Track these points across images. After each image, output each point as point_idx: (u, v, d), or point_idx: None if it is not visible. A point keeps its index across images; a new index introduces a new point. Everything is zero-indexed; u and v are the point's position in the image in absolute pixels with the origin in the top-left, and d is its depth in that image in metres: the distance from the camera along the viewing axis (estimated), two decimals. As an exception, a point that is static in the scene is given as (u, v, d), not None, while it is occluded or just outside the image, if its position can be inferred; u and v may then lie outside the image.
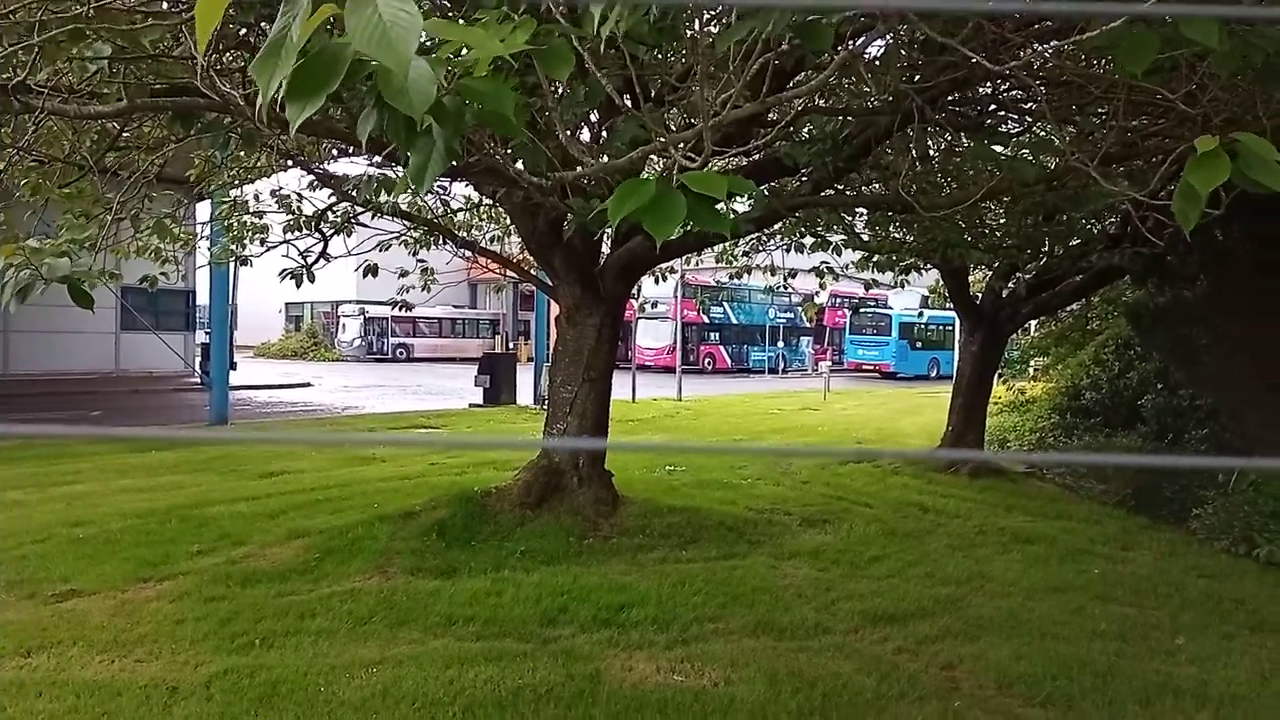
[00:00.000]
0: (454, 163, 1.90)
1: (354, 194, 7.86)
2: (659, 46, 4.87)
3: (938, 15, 2.89)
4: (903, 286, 13.68)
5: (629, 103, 4.77)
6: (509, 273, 11.47)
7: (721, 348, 38.53)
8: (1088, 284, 11.59)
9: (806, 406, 21.94)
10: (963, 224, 8.64)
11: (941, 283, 13.04)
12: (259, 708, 4.26)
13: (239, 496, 8.74)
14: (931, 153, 7.38)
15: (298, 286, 8.57)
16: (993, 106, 6.36)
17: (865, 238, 10.75)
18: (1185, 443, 10.92)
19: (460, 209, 10.72)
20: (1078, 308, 14.42)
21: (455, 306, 43.50)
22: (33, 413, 16.31)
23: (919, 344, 38.06)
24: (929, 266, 12.03)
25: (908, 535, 8.08)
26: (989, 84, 5.73)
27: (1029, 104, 6.06)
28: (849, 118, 6.18)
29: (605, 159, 4.62)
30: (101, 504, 8.29)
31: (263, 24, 4.51)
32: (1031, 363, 19.02)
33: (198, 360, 22.47)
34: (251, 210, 9.36)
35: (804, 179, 7.28)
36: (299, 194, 8.99)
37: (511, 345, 38.88)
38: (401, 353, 41.18)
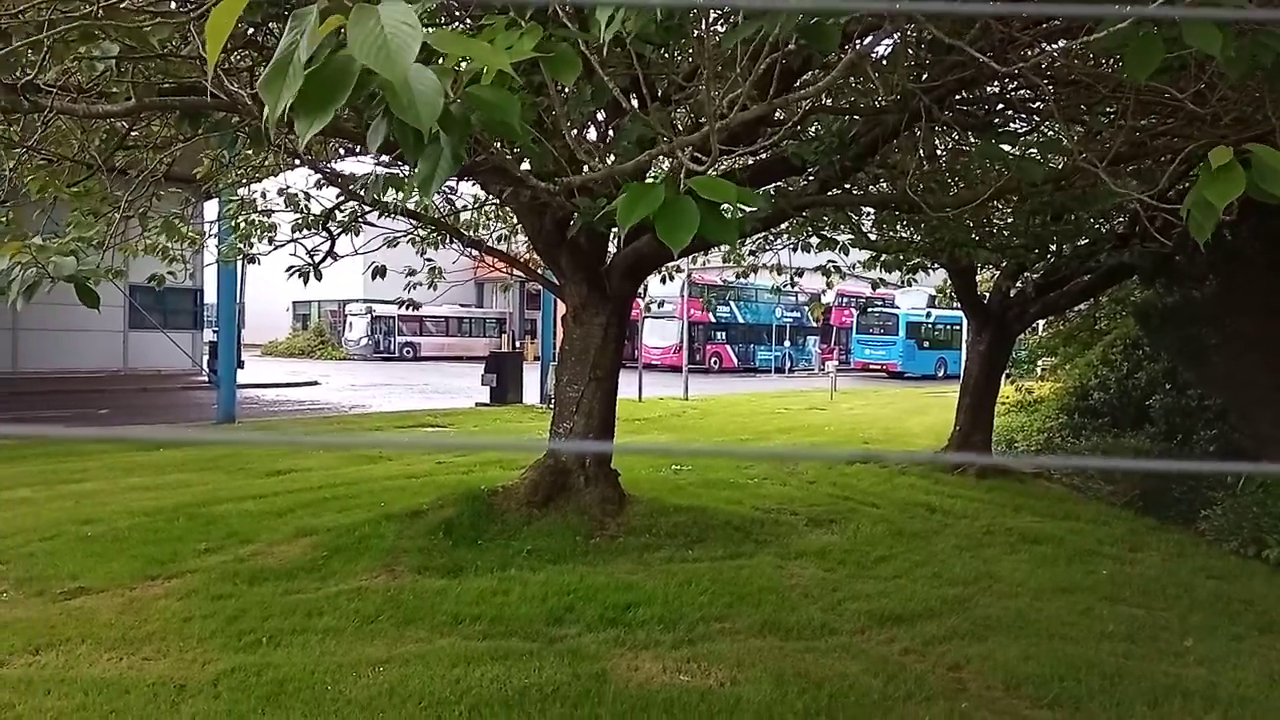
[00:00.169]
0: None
1: (361, 193, 7.88)
2: (665, 46, 4.87)
3: (945, 16, 2.88)
4: (910, 285, 13.66)
5: (635, 102, 4.76)
6: (515, 272, 11.48)
7: (728, 347, 38.51)
8: (1096, 284, 11.55)
9: (813, 406, 21.91)
10: (970, 223, 8.61)
11: (949, 282, 13.02)
12: (266, 706, 4.27)
13: (246, 495, 8.76)
14: (939, 152, 7.36)
15: (305, 284, 8.59)
16: (1000, 106, 6.34)
17: (872, 237, 10.74)
18: (1194, 443, 10.88)
19: (467, 208, 10.73)
20: (1086, 307, 14.37)
21: (462, 305, 43.57)
22: (41, 410, 16.38)
23: (926, 344, 37.98)
24: (936, 266, 12.02)
25: (915, 535, 8.07)
26: (997, 83, 5.71)
27: (1037, 103, 6.04)
28: (856, 117, 6.16)
29: (611, 159, 4.62)
30: (109, 502, 8.32)
31: (270, 23, 4.52)
32: (1039, 362, 18.97)
33: (205, 359, 22.53)
34: (259, 209, 9.38)
35: (811, 178, 7.27)
36: (306, 193, 9.01)
37: (518, 344, 39.00)
38: (408, 351, 41.26)
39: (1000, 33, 3.96)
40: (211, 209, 13.10)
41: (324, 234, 8.85)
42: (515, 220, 10.09)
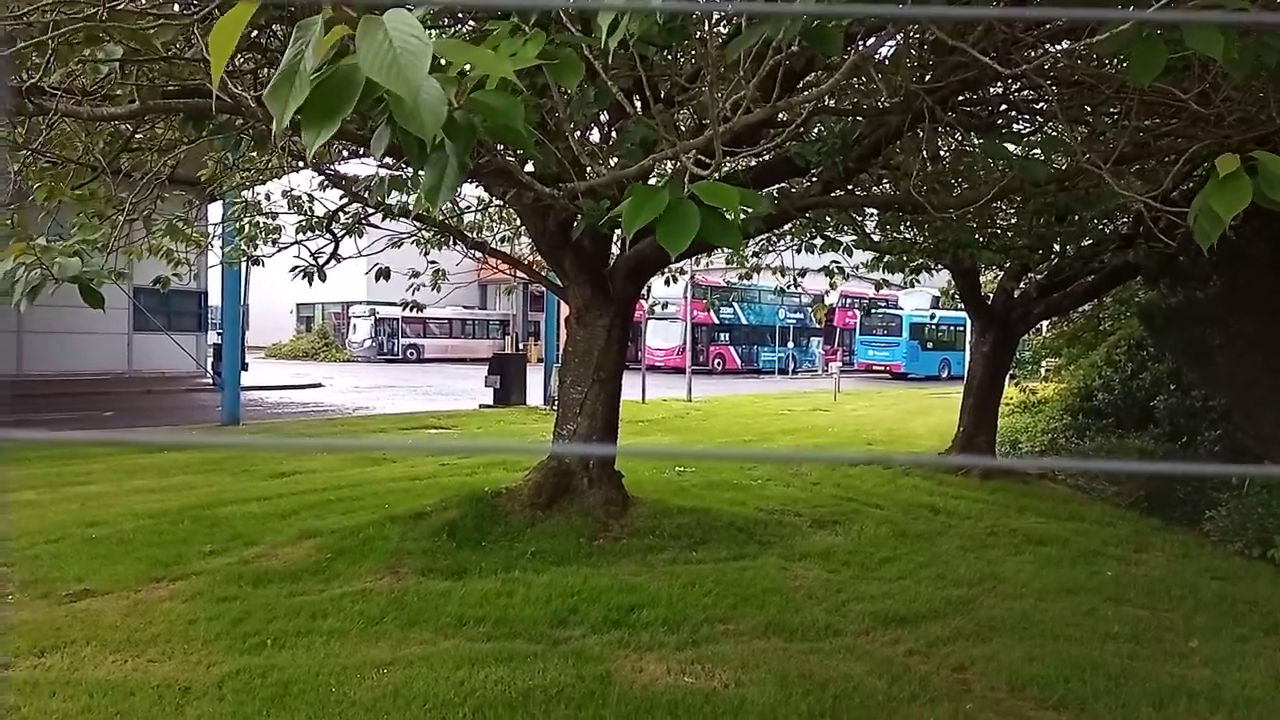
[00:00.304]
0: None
1: (365, 195, 7.89)
2: (669, 47, 4.87)
3: (948, 18, 2.88)
4: (913, 286, 13.66)
5: (638, 104, 4.77)
6: (519, 274, 11.49)
7: (731, 348, 38.49)
8: (1100, 284, 11.54)
9: (817, 407, 21.90)
10: (974, 224, 8.61)
11: (952, 283, 13.01)
12: (271, 708, 4.27)
13: (251, 497, 8.78)
14: (942, 153, 7.36)
15: (309, 285, 8.60)
16: (1004, 107, 6.34)
17: (876, 238, 10.73)
18: (1198, 444, 10.85)
19: (470, 209, 10.74)
20: (1089, 308, 14.36)
21: (465, 307, 43.62)
22: (46, 413, 16.41)
23: (930, 345, 37.94)
24: (940, 267, 12.01)
25: (919, 537, 8.06)
26: (1000, 84, 5.71)
27: (1040, 104, 6.03)
28: (859, 118, 6.16)
29: (615, 161, 4.62)
30: (114, 504, 8.34)
31: (274, 26, 4.53)
32: (1043, 363, 18.94)
33: (210, 361, 22.57)
34: (264, 211, 9.40)
35: (814, 179, 7.27)
36: (310, 195, 9.02)
37: (521, 346, 39.03)
38: (412, 353, 41.30)
39: (1003, 34, 3.96)
40: (215, 211, 13.12)
41: (328, 236, 8.86)
42: (519, 222, 10.10)
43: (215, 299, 21.92)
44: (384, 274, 8.86)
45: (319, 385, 25.64)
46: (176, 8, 4.61)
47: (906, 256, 10.80)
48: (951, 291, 13.99)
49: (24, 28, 3.78)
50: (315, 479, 9.82)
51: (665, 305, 33.39)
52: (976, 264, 11.56)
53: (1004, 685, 4.81)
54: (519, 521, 7.37)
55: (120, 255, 6.60)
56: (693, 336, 29.91)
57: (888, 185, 8.40)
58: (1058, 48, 4.44)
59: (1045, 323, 15.87)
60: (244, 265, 12.92)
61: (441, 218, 9.60)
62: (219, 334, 20.43)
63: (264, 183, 9.11)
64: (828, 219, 9.77)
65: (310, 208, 8.97)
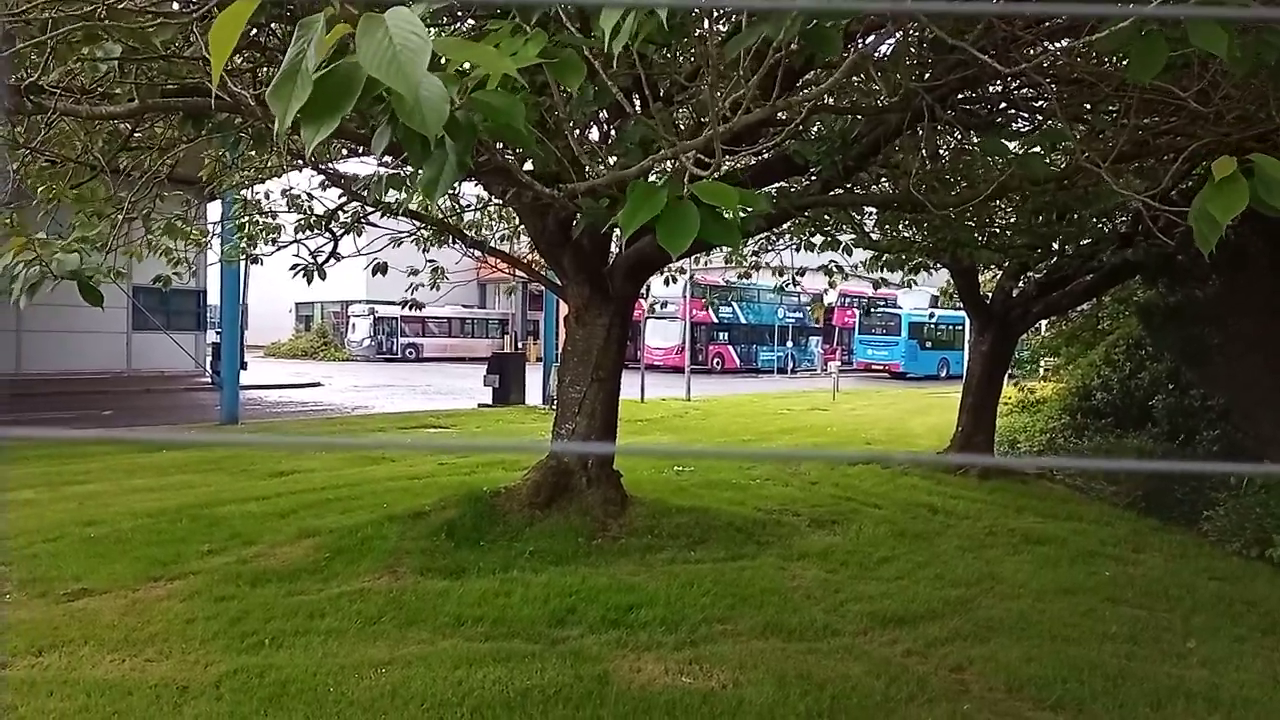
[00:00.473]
0: (463, 167, 1.90)
1: (364, 194, 7.89)
2: (668, 46, 4.86)
3: (948, 15, 2.88)
4: (912, 285, 13.66)
5: (638, 102, 4.76)
6: (518, 273, 11.49)
7: (730, 347, 38.50)
8: (1098, 283, 11.55)
9: (815, 407, 21.90)
10: (973, 223, 8.60)
11: (951, 282, 13.01)
12: (268, 707, 4.27)
13: (249, 496, 8.77)
14: (941, 151, 7.36)
15: (308, 283, 8.60)
16: (1003, 105, 6.34)
17: (875, 237, 10.73)
18: (1197, 443, 10.86)
19: (470, 207, 10.74)
20: (1088, 307, 14.37)
21: (464, 306, 43.60)
22: (45, 412, 16.40)
23: (929, 344, 37.95)
24: (938, 266, 12.01)
25: (917, 536, 8.06)
26: (999, 82, 5.70)
27: (1040, 102, 6.03)
28: (858, 116, 6.16)
29: (614, 159, 4.62)
30: (113, 503, 8.33)
31: (272, 24, 4.53)
32: (1042, 363, 18.94)
33: (209, 360, 22.56)
34: (263, 210, 9.40)
35: (813, 178, 7.26)
36: (309, 194, 9.02)
37: (520, 345, 38.98)
38: (411, 352, 41.29)
39: (1002, 32, 3.96)
40: (214, 210, 13.12)
41: (327, 234, 8.86)
42: (518, 221, 10.09)
43: (214, 298, 21.92)
44: (381, 270, 8.86)
45: (318, 384, 25.63)
46: (176, 6, 4.60)
47: (905, 255, 10.80)
48: (950, 290, 14.00)
49: (23, 26, 3.78)
50: (314, 478, 9.81)
51: (664, 304, 33.38)
52: (975, 263, 11.56)
53: (1002, 685, 4.81)
54: (517, 521, 7.37)
55: (119, 254, 6.59)
56: (691, 336, 29.93)
57: (887, 184, 8.40)
58: (1057, 46, 4.44)
59: (1044, 322, 15.89)
60: (243, 264, 12.91)
61: (441, 216, 9.60)
62: (218, 333, 20.44)
63: (263, 181, 9.11)
64: (827, 217, 9.76)
65: (309, 206, 8.96)
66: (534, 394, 20.30)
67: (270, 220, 9.40)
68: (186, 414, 17.74)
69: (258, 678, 4.55)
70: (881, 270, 11.81)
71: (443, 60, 1.67)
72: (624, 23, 1.76)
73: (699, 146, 2.46)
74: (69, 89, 4.62)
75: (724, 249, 12.26)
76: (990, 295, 12.67)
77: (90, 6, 3.62)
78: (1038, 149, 5.18)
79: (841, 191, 7.43)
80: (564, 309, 8.60)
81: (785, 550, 7.32)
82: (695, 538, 7.39)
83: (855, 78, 5.56)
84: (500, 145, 3.50)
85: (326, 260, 8.74)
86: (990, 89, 6.01)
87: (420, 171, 1.78)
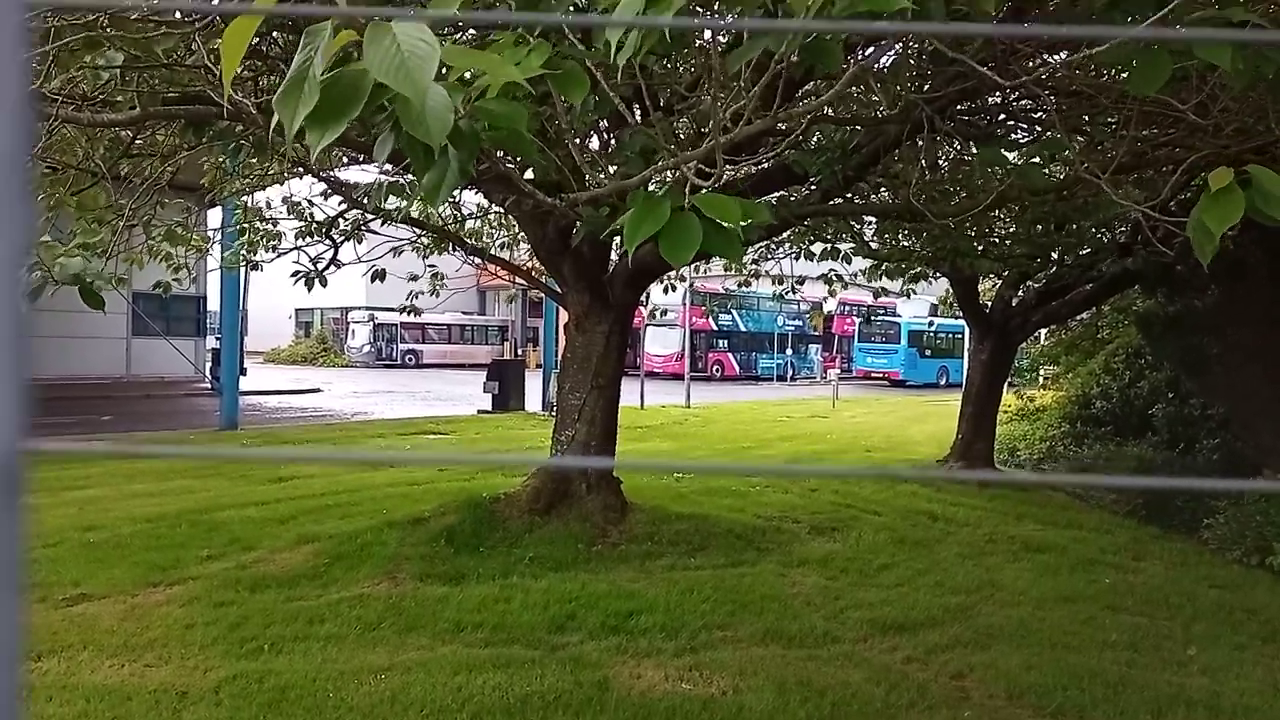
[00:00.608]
0: (465, 175, 1.91)
1: (364, 201, 7.91)
2: (669, 56, 4.88)
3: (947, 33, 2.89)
4: (911, 295, 13.68)
5: (638, 112, 4.78)
6: (518, 280, 11.50)
7: (730, 355, 38.49)
8: (1098, 292, 11.57)
9: (815, 414, 21.90)
10: (972, 232, 8.63)
11: (950, 291, 13.03)
12: (267, 713, 4.27)
13: (249, 501, 8.77)
14: (941, 162, 7.38)
15: (309, 290, 8.62)
16: (1002, 116, 6.36)
17: (874, 246, 10.76)
18: (1196, 452, 10.87)
19: (471, 216, 10.76)
20: (1088, 316, 14.39)
21: (464, 313, 43.58)
22: (45, 418, 16.40)
23: (928, 352, 37.96)
24: (938, 275, 12.04)
25: (917, 543, 8.06)
26: (999, 94, 5.73)
27: (1039, 113, 6.05)
28: (858, 127, 6.18)
29: (614, 169, 4.63)
30: (112, 508, 8.33)
31: (274, 33, 4.55)
32: (1041, 371, 18.95)
33: (208, 365, 22.57)
34: (264, 217, 9.42)
35: (813, 187, 7.28)
36: (310, 200, 9.04)
37: (520, 352, 38.98)
38: (410, 359, 41.27)
39: (1002, 44, 3.98)
40: (215, 216, 13.14)
41: (328, 241, 8.88)
42: (518, 228, 10.11)
43: (214, 304, 21.93)
44: (379, 276, 8.88)
45: (317, 390, 25.63)
46: (177, 15, 4.63)
47: (905, 264, 10.82)
48: (950, 299, 14.02)
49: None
50: (313, 484, 9.81)
51: (664, 312, 33.40)
52: (975, 272, 11.59)
53: (1002, 693, 4.81)
54: (517, 527, 7.37)
55: (120, 260, 6.61)
56: (691, 343, 29.91)
57: (886, 193, 8.42)
58: (1056, 58, 4.46)
59: (1043, 331, 15.91)
60: (243, 270, 12.94)
61: (441, 223, 9.62)
62: (218, 339, 20.44)
63: (264, 188, 9.13)
64: (826, 226, 9.78)
65: (310, 213, 8.98)
66: (534, 400, 20.30)
67: (270, 227, 9.42)
68: (186, 419, 17.74)
69: (257, 683, 4.55)
70: (881, 279, 11.83)
71: (444, 70, 1.68)
72: (629, 37, 1.78)
73: (700, 157, 2.47)
74: (70, 96, 4.64)
75: (723, 257, 12.28)
76: (989, 304, 12.69)
77: (93, 15, 3.64)
78: (1036, 159, 5.20)
79: (841, 201, 7.45)
80: (564, 316, 8.61)
81: (785, 557, 7.32)
82: (695, 544, 7.38)
83: (855, 89, 5.59)
84: (501, 154, 3.52)
85: (327, 267, 8.76)
86: (990, 100, 6.04)
87: (422, 179, 1.79)
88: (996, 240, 9.61)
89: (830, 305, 37.36)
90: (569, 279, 7.97)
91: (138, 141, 6.27)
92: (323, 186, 8.47)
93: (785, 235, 10.02)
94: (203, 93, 4.59)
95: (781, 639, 5.45)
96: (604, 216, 4.44)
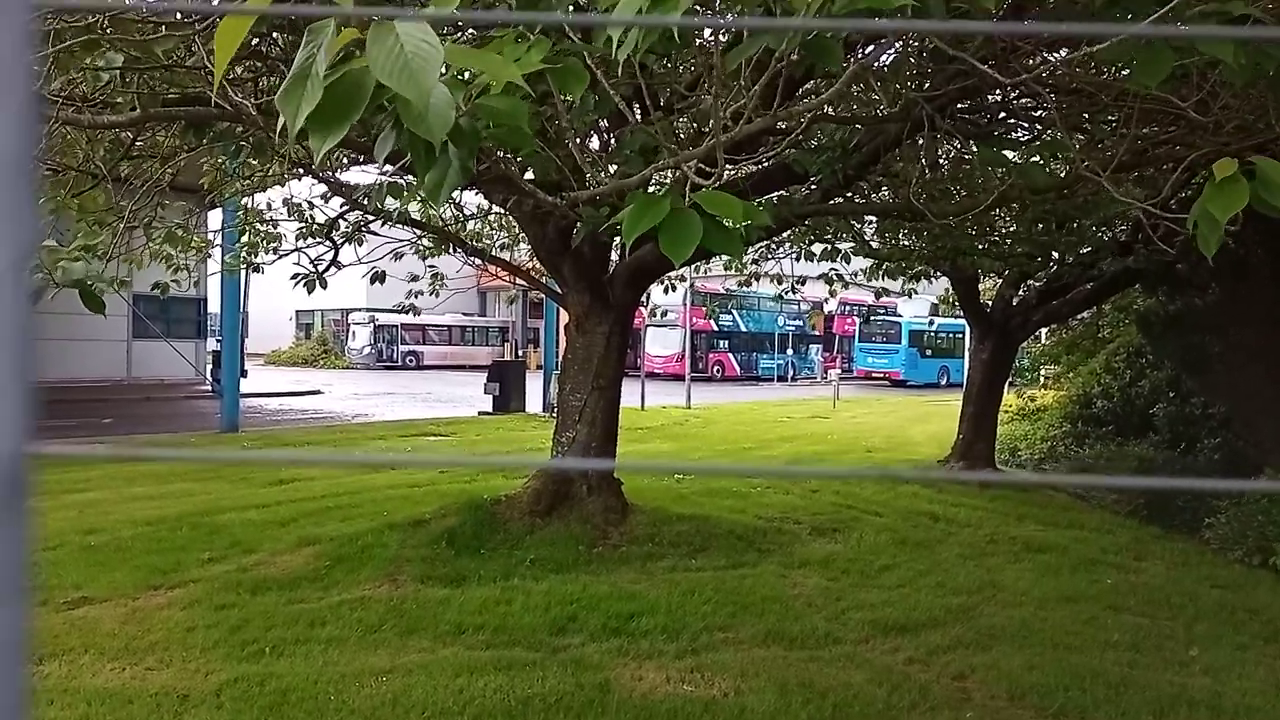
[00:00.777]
0: (465, 174, 1.91)
1: (364, 202, 7.90)
2: (669, 55, 4.88)
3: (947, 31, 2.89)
4: (912, 294, 13.67)
5: (639, 111, 4.78)
6: (519, 281, 11.50)
7: (730, 355, 38.48)
8: (1099, 291, 11.56)
9: (816, 415, 21.89)
10: (973, 231, 8.62)
11: (949, 290, 13.02)
12: (269, 716, 4.26)
13: (249, 504, 8.76)
14: (941, 160, 7.37)
15: (309, 292, 8.62)
16: (1003, 114, 6.35)
17: (875, 245, 10.75)
18: (1198, 452, 10.86)
19: (472, 217, 10.76)
20: (1088, 315, 14.39)
21: (465, 314, 43.59)
22: (45, 420, 16.37)
23: (929, 352, 37.95)
24: (938, 274, 12.03)
25: (918, 544, 8.05)
26: (999, 92, 5.73)
27: (1039, 112, 6.05)
28: (858, 126, 6.18)
29: (614, 168, 4.63)
30: (113, 511, 8.32)
31: (274, 33, 4.54)
32: (1042, 370, 18.95)
33: (209, 368, 22.56)
34: (265, 219, 9.42)
35: (813, 186, 7.28)
36: (310, 202, 9.04)
37: (521, 353, 38.97)
38: (411, 360, 41.28)
39: (1002, 42, 3.97)
40: (215, 218, 13.14)
41: (328, 243, 8.88)
42: (518, 229, 10.11)
43: (215, 306, 21.93)
44: (379, 278, 8.88)
45: (318, 392, 25.62)
46: (178, 16, 4.62)
47: (905, 263, 10.82)
48: (950, 299, 14.02)
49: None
50: (314, 486, 9.80)
51: (665, 312, 33.40)
52: (976, 271, 11.58)
53: (1004, 693, 4.80)
54: (518, 529, 7.36)
55: (121, 262, 6.60)
56: (692, 343, 29.90)
57: (887, 193, 8.42)
58: (1057, 56, 4.45)
59: (1044, 330, 15.91)
60: (243, 272, 12.94)
61: (441, 224, 9.63)
62: (218, 341, 20.44)
63: (264, 190, 9.13)
64: (827, 226, 9.77)
65: (310, 215, 8.98)
66: (534, 402, 20.30)
67: (271, 229, 9.42)
68: (186, 422, 17.73)
69: (258, 686, 4.54)
70: (882, 278, 11.83)
71: (445, 69, 1.68)
72: (629, 34, 1.77)
73: (700, 155, 2.47)
74: (70, 98, 4.64)
75: (724, 257, 12.28)
76: (990, 303, 12.68)
77: (93, 17, 3.64)
78: (1037, 158, 5.19)
79: (842, 200, 7.45)
80: (564, 317, 8.60)
81: (786, 558, 7.32)
82: (696, 545, 7.38)
83: (855, 87, 5.58)
84: (502, 153, 3.51)
85: (327, 269, 8.75)
86: (990, 99, 6.03)
87: (423, 177, 1.79)
88: (997, 239, 9.61)
89: (831, 305, 37.39)
90: (569, 279, 7.96)
91: (138, 143, 6.27)
92: (323, 188, 8.47)
93: (786, 235, 10.02)
94: (203, 94, 4.59)
95: (783, 640, 5.44)
96: (604, 216, 4.44)
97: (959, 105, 5.64)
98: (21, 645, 0.51)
